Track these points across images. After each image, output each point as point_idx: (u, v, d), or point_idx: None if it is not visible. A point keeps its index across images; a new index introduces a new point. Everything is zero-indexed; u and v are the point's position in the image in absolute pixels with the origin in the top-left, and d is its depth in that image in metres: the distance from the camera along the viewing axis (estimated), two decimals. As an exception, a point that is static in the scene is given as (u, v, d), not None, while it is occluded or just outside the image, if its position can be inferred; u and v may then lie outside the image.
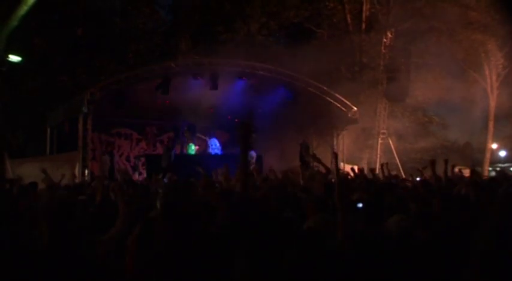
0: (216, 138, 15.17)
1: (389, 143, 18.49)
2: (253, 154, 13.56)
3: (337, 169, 4.02)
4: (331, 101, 14.71)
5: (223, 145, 15.41)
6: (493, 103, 22.33)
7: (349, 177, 7.25)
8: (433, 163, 5.59)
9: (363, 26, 21.02)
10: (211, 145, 14.71)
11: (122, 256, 2.38)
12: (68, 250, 2.11)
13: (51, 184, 5.50)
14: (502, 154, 26.44)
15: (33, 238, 2.34)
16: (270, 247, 2.64)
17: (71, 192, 4.85)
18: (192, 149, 14.94)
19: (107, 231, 2.49)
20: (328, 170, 5.44)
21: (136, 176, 13.93)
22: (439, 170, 5.58)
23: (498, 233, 1.62)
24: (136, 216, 3.40)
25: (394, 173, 8.64)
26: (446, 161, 5.59)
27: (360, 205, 3.46)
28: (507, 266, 1.55)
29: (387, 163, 7.72)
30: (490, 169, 22.24)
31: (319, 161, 5.45)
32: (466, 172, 8.28)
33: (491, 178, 8.49)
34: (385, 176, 6.91)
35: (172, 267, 2.20)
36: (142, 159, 15.23)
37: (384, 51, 18.64)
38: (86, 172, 11.87)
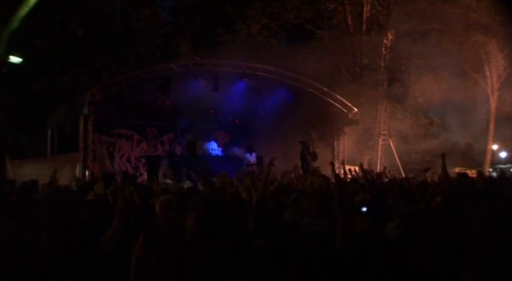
0: (216, 139, 15.18)
1: (390, 144, 18.50)
2: (253, 158, 13.54)
3: (335, 176, 4.01)
4: (332, 102, 14.71)
5: (224, 146, 15.41)
6: (493, 104, 22.32)
7: (351, 177, 7.24)
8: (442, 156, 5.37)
9: (364, 27, 21.00)
10: (211, 148, 14.70)
11: (121, 257, 2.38)
12: (68, 252, 2.11)
13: (52, 185, 5.49)
14: (503, 155, 26.38)
15: (33, 239, 2.33)
16: (270, 248, 2.64)
17: (73, 194, 4.82)
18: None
19: (104, 232, 2.49)
20: (326, 177, 5.38)
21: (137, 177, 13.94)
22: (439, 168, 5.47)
23: (498, 233, 1.62)
24: (135, 217, 3.39)
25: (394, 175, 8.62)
26: (443, 156, 5.39)
27: (364, 209, 3.47)
28: (506, 266, 1.54)
29: (386, 167, 7.69)
30: (491, 169, 22.22)
31: (316, 171, 5.41)
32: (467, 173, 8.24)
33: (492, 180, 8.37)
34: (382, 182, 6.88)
35: (176, 269, 2.20)
36: (143, 160, 15.26)
37: (384, 52, 18.68)
38: (87, 173, 11.87)
